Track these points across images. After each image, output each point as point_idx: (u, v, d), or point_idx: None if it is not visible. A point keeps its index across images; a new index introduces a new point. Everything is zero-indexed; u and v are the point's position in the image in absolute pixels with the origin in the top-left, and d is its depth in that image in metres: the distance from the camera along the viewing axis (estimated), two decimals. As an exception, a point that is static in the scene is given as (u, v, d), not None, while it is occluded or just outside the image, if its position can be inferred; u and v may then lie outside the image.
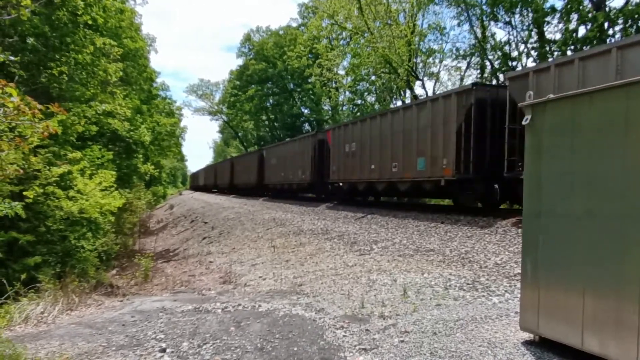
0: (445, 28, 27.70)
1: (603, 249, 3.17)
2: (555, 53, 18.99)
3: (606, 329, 3.13)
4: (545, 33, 20.50)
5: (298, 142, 22.28)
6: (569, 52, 17.73)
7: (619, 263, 3.06)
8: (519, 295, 4.39)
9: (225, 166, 41.61)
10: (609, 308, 3.11)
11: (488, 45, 23.50)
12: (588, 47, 16.48)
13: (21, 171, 6.00)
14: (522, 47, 22.09)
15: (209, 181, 50.37)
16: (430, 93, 27.14)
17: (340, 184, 17.58)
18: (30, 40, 10.05)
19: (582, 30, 18.52)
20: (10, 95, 4.31)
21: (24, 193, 8.15)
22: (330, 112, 44.40)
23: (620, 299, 3.03)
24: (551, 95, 3.68)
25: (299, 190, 23.00)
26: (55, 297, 6.72)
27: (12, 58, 6.57)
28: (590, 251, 3.26)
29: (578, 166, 3.37)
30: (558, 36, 19.93)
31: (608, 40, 16.28)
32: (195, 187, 61.94)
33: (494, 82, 21.92)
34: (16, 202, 7.25)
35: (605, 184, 3.17)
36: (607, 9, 17.02)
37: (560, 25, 19.42)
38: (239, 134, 61.00)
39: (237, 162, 36.89)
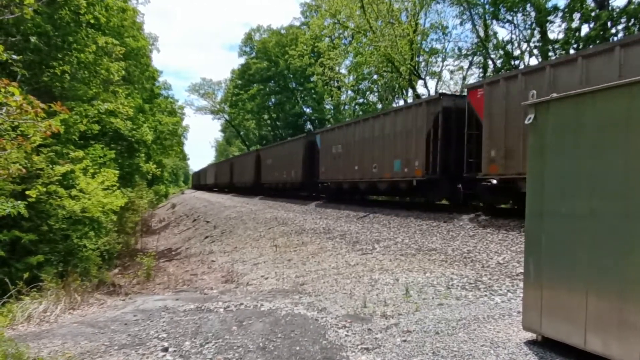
0: (447, 27, 27.75)
1: (606, 249, 3.15)
2: (558, 52, 18.95)
3: (609, 329, 3.12)
4: (548, 32, 20.48)
5: (394, 117, 13.95)
6: (572, 51, 17.67)
7: (622, 263, 3.04)
8: (521, 295, 4.38)
9: (246, 161, 33.15)
10: (612, 308, 3.10)
11: (490, 44, 23.48)
12: (591, 45, 16.43)
13: (24, 170, 6.01)
14: (524, 46, 22.10)
15: (221, 179, 42.72)
16: (432, 92, 27.11)
17: (494, 181, 10.24)
18: (32, 39, 10.05)
19: (584, 29, 18.50)
20: (13, 94, 4.32)
21: (27, 192, 8.16)
22: (332, 111, 44.42)
23: (624, 299, 3.02)
24: (554, 95, 3.67)
25: (393, 191, 15.10)
26: (57, 296, 6.74)
27: (14, 57, 6.58)
28: (593, 251, 3.24)
29: (581, 165, 3.35)
30: (561, 35, 19.92)
31: (611, 39, 16.24)
32: (199, 187, 61.32)
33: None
34: (19, 201, 7.26)
35: (609, 184, 3.16)
36: (609, 8, 16.98)
37: (563, 25, 19.41)
38: (241, 133, 61.04)
39: (266, 154, 28.60)
